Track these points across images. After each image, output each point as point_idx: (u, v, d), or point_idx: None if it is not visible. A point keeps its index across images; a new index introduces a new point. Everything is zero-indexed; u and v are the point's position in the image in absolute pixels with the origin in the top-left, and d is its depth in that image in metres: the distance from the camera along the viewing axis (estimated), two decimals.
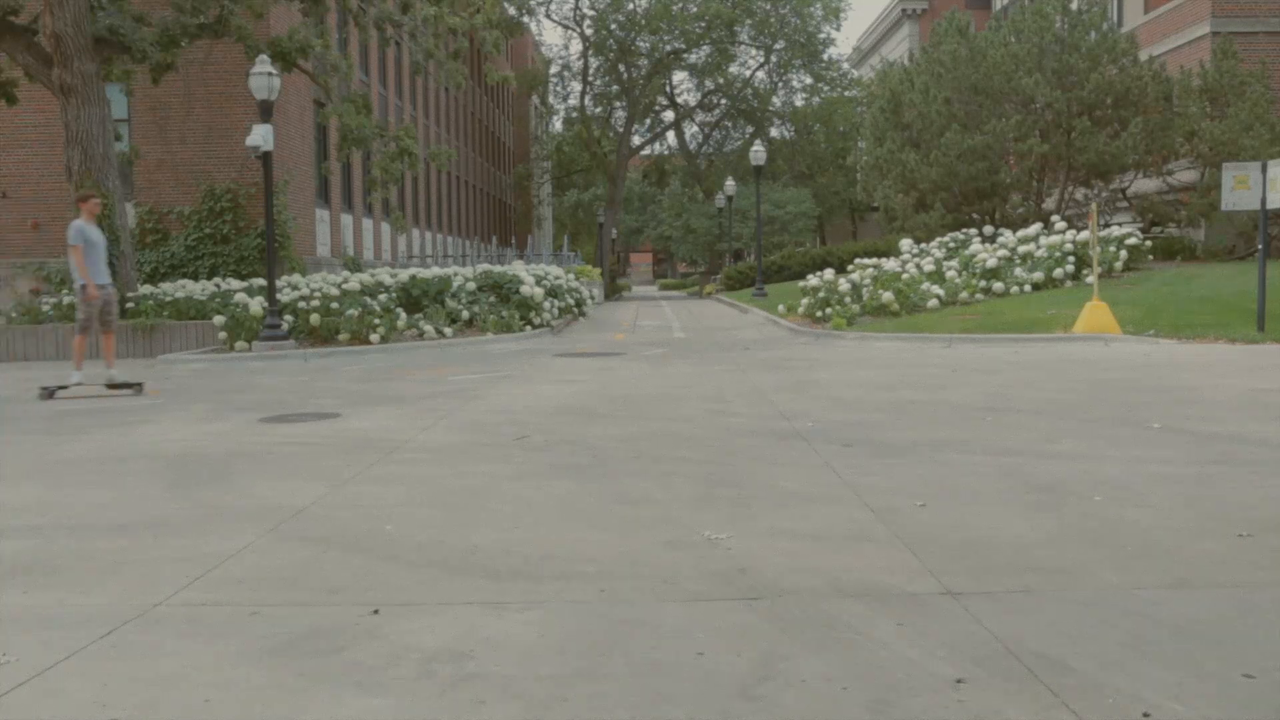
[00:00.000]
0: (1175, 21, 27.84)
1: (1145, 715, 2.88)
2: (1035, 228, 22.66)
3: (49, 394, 11.27)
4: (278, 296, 16.74)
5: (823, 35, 54.00)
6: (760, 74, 57.01)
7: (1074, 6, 26.37)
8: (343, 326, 16.86)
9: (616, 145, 55.54)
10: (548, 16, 57.80)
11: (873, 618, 3.68)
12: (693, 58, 54.97)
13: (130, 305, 17.52)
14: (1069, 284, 20.08)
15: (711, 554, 4.51)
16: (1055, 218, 23.50)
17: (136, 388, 11.54)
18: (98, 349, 12.23)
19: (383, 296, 18.82)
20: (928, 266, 21.34)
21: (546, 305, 20.65)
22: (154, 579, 4.35)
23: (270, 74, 16.45)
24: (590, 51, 54.38)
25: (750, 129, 56.14)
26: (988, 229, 24.95)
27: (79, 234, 11.41)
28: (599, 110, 57.24)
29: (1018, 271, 20.38)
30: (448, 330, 17.84)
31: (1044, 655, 3.31)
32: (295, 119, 24.38)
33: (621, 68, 54.32)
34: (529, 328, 19.59)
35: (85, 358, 11.77)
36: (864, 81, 52.13)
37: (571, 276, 25.23)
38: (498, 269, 21.69)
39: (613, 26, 52.81)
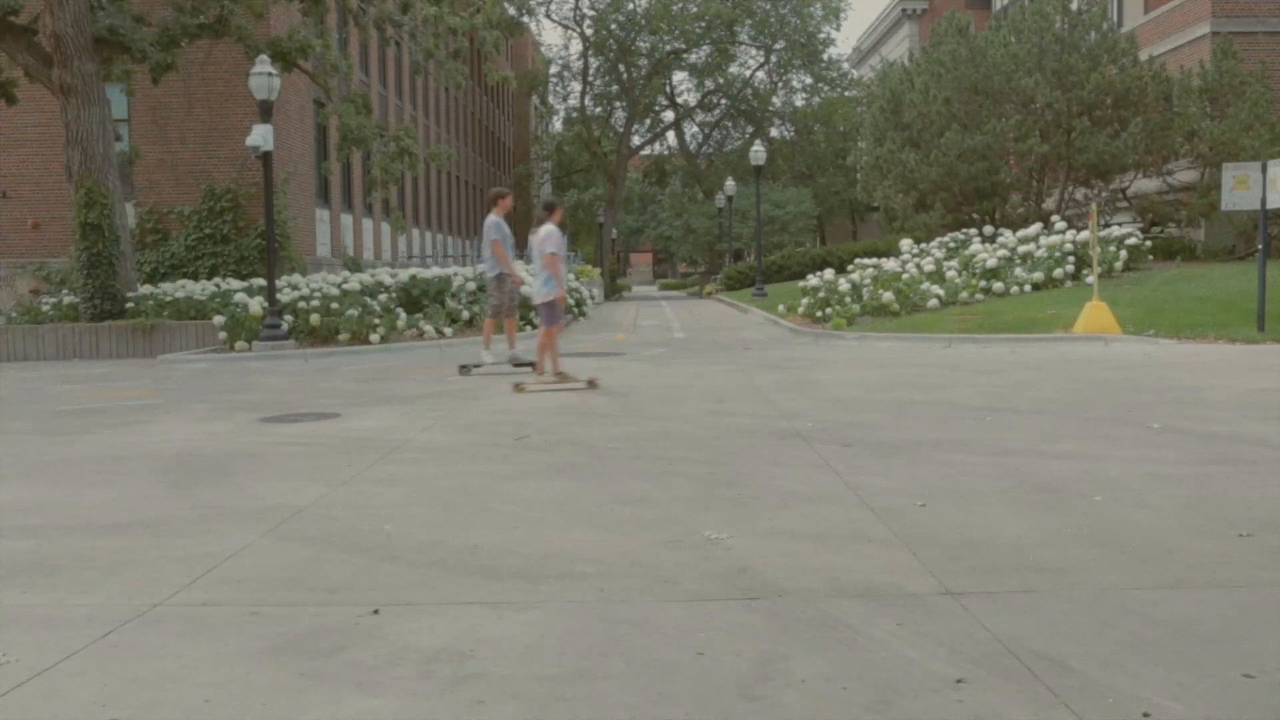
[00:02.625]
0: (1175, 21, 27.84)
1: (1145, 715, 2.88)
2: (1035, 228, 22.66)
3: (466, 371, 12.37)
4: (278, 296, 16.74)
5: (822, 35, 54.03)
6: (760, 74, 57.08)
7: (1074, 6, 26.36)
8: (343, 326, 16.86)
9: (616, 145, 55.54)
10: (548, 16, 57.85)
11: (873, 618, 3.68)
12: (693, 58, 54.98)
13: (130, 305, 17.54)
14: (1069, 284, 20.08)
15: (712, 554, 4.51)
16: (1055, 218, 23.50)
17: (534, 365, 12.17)
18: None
19: (383, 296, 18.82)
20: (928, 266, 21.33)
21: None
22: (154, 579, 4.35)
23: (270, 74, 16.45)
24: (590, 51, 54.39)
25: (750, 129, 56.15)
26: (988, 229, 24.95)
27: (497, 229, 12.27)
28: (599, 110, 57.24)
29: (1018, 271, 20.37)
30: (448, 330, 17.84)
31: (1044, 655, 3.31)
32: (295, 119, 24.38)
33: (621, 68, 54.32)
34: (529, 328, 19.59)
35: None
36: (864, 81, 52.15)
37: (571, 276, 25.23)
38: None
39: (613, 26, 52.80)
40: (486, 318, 12.91)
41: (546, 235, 10.64)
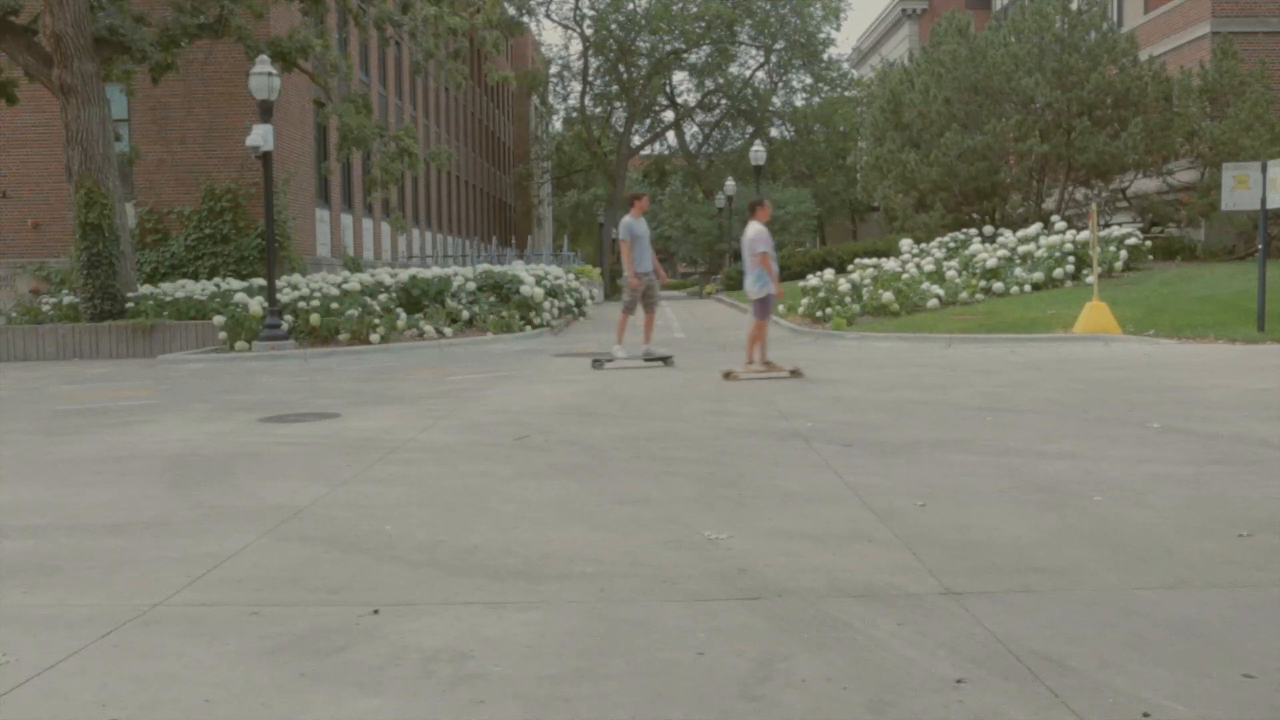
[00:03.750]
0: (1175, 21, 27.84)
1: (1145, 715, 2.87)
2: (1035, 228, 22.66)
3: (599, 365, 12.82)
4: (278, 296, 16.74)
5: (822, 35, 54.11)
6: (760, 74, 57.17)
7: (1074, 6, 26.36)
8: (343, 326, 16.86)
9: (616, 145, 55.56)
10: (548, 16, 57.96)
11: (873, 617, 3.68)
12: (693, 58, 55.04)
13: (130, 305, 17.54)
14: (1069, 284, 20.08)
15: (712, 554, 4.51)
16: (1055, 218, 23.50)
17: (668, 359, 12.84)
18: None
19: (383, 296, 18.82)
20: (928, 266, 21.33)
21: (546, 305, 20.65)
22: (154, 579, 4.35)
23: (270, 74, 16.45)
24: (590, 51, 54.43)
25: (750, 129, 56.19)
26: (988, 229, 24.95)
27: (628, 230, 12.70)
28: (599, 110, 57.29)
29: (1018, 271, 20.37)
30: (448, 330, 17.83)
31: (1044, 655, 3.31)
32: (295, 119, 24.38)
33: (621, 68, 54.35)
34: (529, 328, 19.59)
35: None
36: (864, 81, 52.17)
37: (571, 276, 25.23)
38: (498, 269, 21.69)
39: (613, 26, 52.85)
40: (620, 313, 13.33)
41: (756, 235, 11.21)
